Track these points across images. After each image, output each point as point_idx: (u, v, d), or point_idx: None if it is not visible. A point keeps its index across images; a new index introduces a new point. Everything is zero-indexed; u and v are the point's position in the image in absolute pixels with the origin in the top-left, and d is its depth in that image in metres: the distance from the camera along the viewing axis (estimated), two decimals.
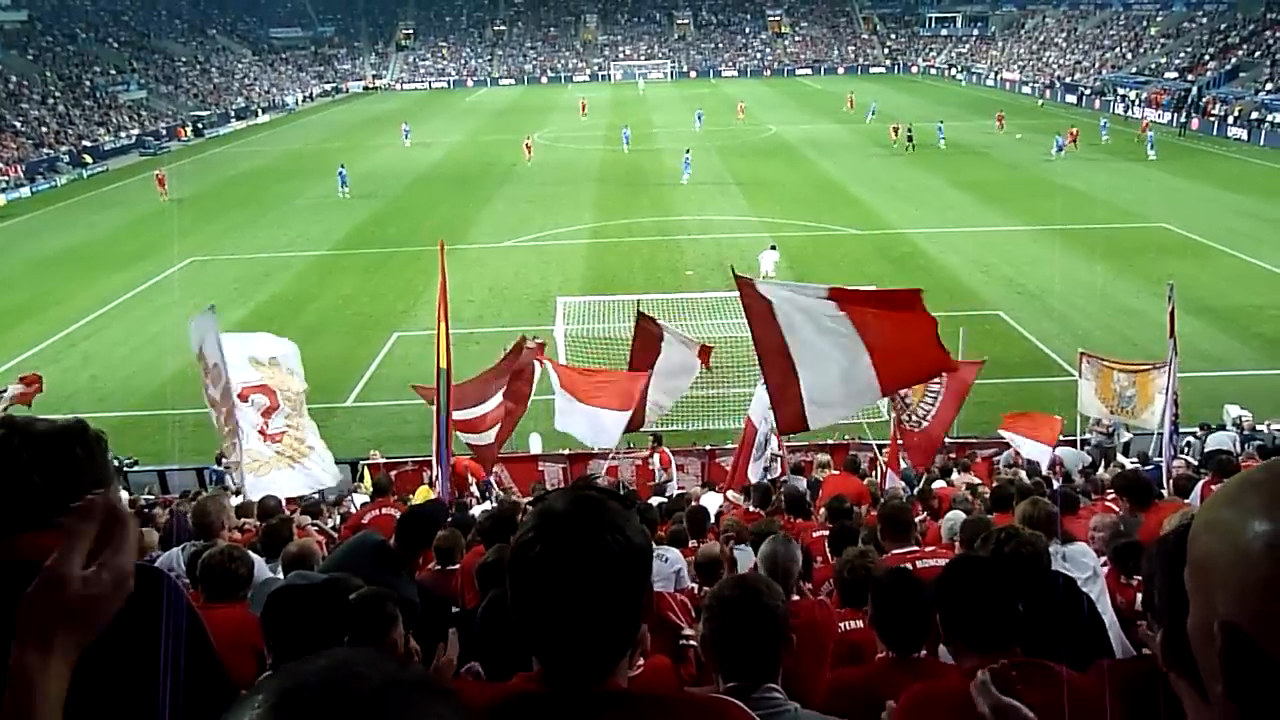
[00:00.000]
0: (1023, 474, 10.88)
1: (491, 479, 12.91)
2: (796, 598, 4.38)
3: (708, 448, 15.03)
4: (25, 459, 1.69)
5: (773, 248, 24.66)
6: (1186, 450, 12.28)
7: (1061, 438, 12.75)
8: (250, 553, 4.45)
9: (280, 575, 4.82)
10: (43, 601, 1.19)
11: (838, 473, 11.35)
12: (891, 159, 43.53)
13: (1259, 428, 13.47)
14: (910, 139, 44.31)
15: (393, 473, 12.28)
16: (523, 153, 43.96)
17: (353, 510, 10.90)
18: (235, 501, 8.33)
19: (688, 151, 40.01)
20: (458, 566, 5.75)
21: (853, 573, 4.28)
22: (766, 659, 2.48)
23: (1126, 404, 12.24)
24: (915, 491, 10.24)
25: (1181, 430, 13.50)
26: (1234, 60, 58.58)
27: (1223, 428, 13.49)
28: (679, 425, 16.12)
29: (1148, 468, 11.02)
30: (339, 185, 38.75)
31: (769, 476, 10.92)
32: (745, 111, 59.87)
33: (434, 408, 9.69)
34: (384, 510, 8.77)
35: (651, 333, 11.44)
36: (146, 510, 9.73)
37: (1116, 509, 6.92)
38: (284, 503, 8.67)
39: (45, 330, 23.36)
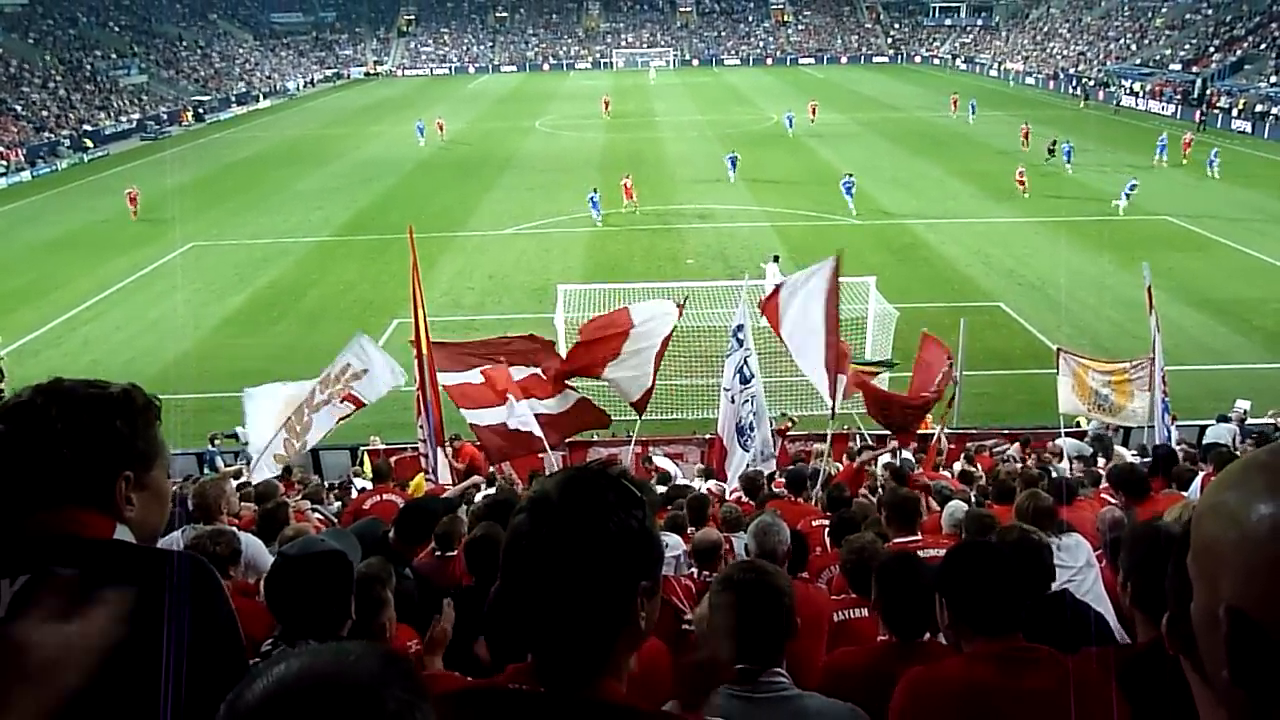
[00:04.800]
0: (1016, 464, 10.84)
1: (493, 468, 12.85)
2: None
3: (707, 436, 15.00)
4: (60, 429, 1.56)
5: (775, 259, 21.66)
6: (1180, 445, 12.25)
7: (1063, 430, 12.76)
8: (248, 535, 4.44)
9: None
10: None
11: (843, 465, 11.28)
12: (893, 145, 43.36)
13: (1269, 419, 13.46)
14: (1052, 152, 38.45)
15: (392, 459, 12.26)
16: (623, 195, 32.17)
17: (353, 495, 10.91)
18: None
19: (849, 175, 32.36)
20: (456, 553, 5.74)
21: (862, 556, 4.24)
22: (773, 643, 2.51)
23: (1104, 401, 12.17)
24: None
25: (1190, 423, 13.55)
26: (1239, 52, 58.30)
27: (1225, 419, 13.46)
28: (678, 414, 16.12)
29: (1146, 460, 10.98)
30: (591, 210, 30.82)
31: (756, 466, 10.71)
32: (817, 112, 52.82)
33: (417, 395, 10.08)
34: (385, 497, 8.77)
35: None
36: None
37: (1112, 500, 6.90)
38: (282, 488, 8.69)
39: (46, 314, 23.34)
